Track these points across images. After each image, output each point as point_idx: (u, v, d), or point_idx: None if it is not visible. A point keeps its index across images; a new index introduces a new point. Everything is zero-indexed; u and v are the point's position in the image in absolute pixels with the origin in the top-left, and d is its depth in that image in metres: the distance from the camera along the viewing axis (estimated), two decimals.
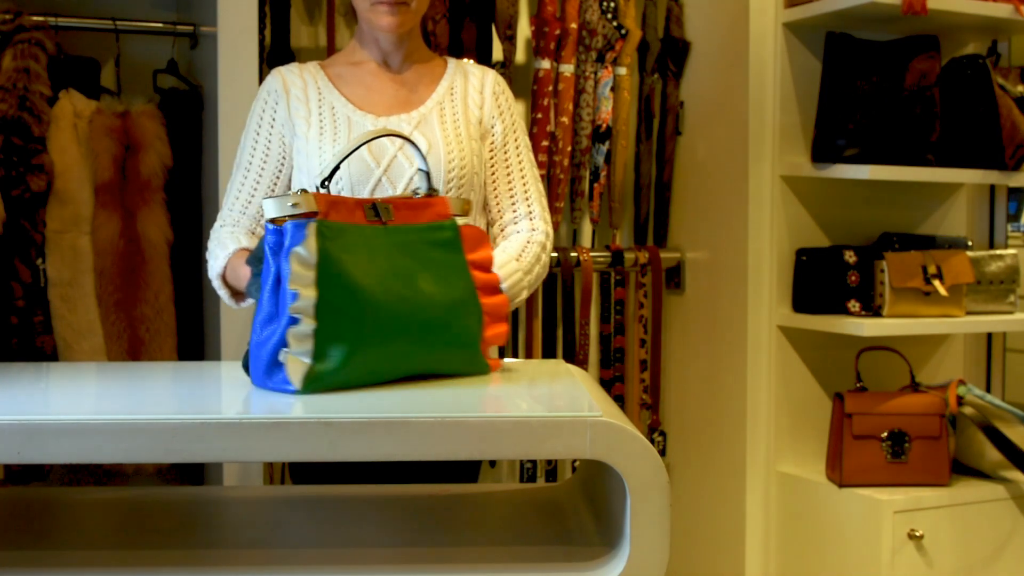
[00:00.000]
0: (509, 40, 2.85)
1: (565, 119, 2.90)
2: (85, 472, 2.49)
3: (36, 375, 1.62)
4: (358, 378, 1.36)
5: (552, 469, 3.04)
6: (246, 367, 1.40)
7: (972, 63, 2.86)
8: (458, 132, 1.87)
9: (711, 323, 2.99)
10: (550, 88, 2.87)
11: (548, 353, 3.01)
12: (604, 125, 2.96)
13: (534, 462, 2.99)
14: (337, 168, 1.46)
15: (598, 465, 1.35)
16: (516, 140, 1.94)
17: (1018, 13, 2.84)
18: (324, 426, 1.16)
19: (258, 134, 1.89)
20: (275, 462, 2.49)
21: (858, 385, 2.76)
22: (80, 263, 2.40)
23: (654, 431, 3.11)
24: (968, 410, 2.72)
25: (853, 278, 2.80)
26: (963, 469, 2.79)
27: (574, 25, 2.88)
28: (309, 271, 1.31)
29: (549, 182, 2.90)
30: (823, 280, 2.81)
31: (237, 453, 1.16)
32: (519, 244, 1.89)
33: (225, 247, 1.82)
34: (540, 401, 1.40)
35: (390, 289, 1.38)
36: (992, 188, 3.21)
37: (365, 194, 1.79)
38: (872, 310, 2.80)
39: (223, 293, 1.85)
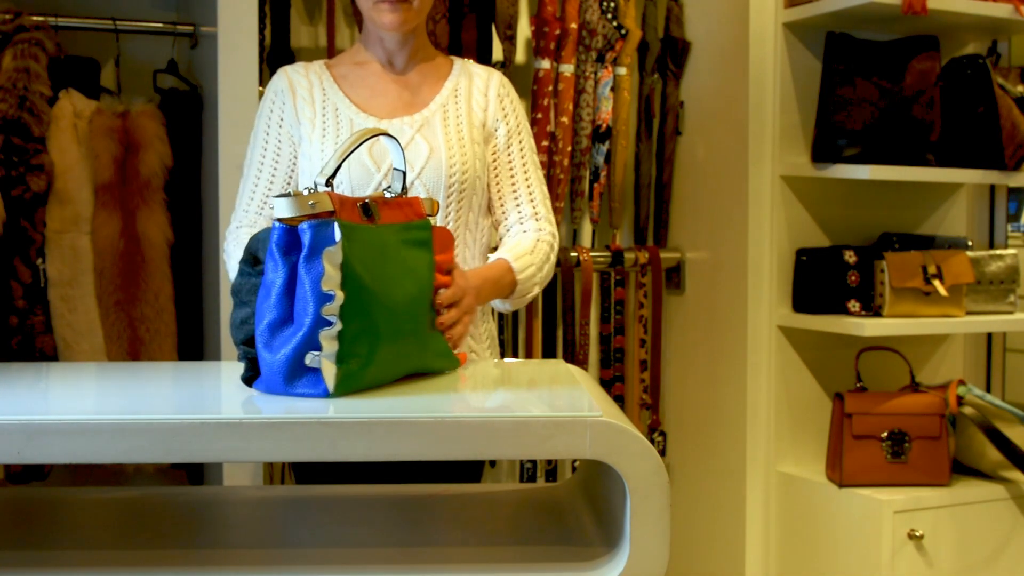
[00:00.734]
0: (509, 40, 2.85)
1: (565, 119, 2.90)
2: (84, 472, 2.49)
3: (36, 375, 1.62)
4: (376, 378, 1.36)
5: (552, 469, 3.04)
6: (248, 381, 1.36)
7: (972, 63, 2.86)
8: (460, 135, 1.87)
9: (711, 323, 2.99)
10: (550, 88, 2.87)
11: (548, 353, 3.01)
12: (604, 125, 2.96)
13: (534, 462, 2.99)
14: (339, 167, 1.46)
15: (598, 465, 1.35)
16: (521, 142, 1.94)
17: (1018, 13, 2.84)
18: (324, 426, 1.16)
19: (267, 134, 1.89)
20: (275, 462, 2.49)
21: (858, 385, 2.76)
22: (80, 263, 2.40)
23: (654, 431, 3.11)
24: (968, 410, 2.72)
25: (853, 278, 2.80)
26: (963, 469, 2.79)
27: (574, 25, 2.88)
28: (338, 272, 1.29)
29: (549, 182, 2.90)
30: (823, 280, 2.82)
31: (237, 453, 1.16)
32: (531, 241, 1.88)
33: (243, 245, 1.80)
34: (540, 401, 1.40)
35: (392, 288, 1.38)
36: (992, 188, 3.21)
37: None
38: (872, 310, 2.80)
39: None
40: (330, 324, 1.28)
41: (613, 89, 2.96)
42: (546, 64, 2.87)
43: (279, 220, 1.30)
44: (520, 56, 2.99)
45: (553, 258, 1.91)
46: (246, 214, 1.88)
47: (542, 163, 2.83)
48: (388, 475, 1.68)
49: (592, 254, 3.00)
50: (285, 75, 1.90)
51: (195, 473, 2.61)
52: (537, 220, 1.91)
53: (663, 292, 3.10)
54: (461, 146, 1.85)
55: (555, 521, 1.48)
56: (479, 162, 1.88)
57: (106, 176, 2.41)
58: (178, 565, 1.27)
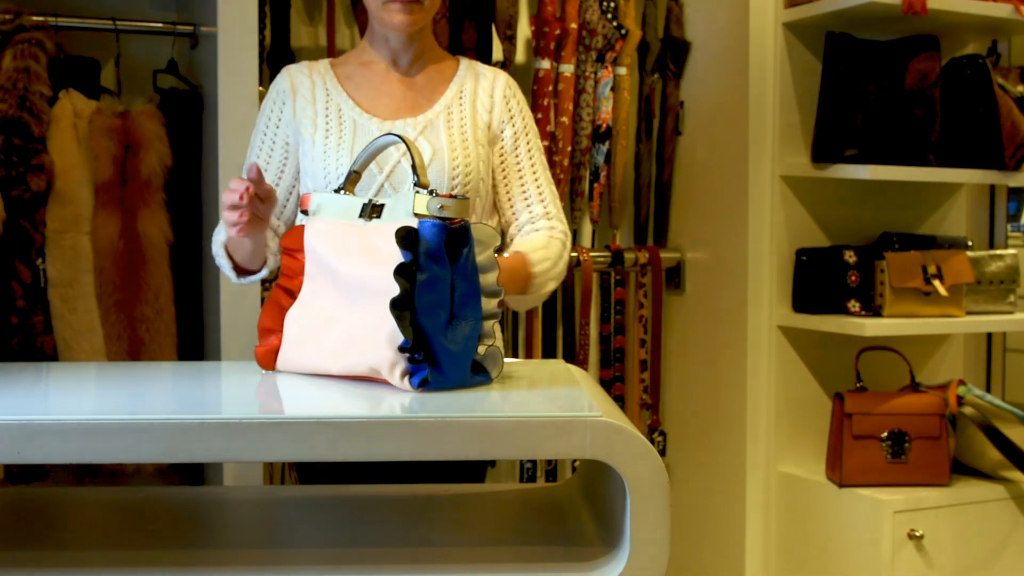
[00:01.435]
0: (509, 40, 2.85)
1: (565, 119, 2.90)
2: (84, 472, 2.49)
3: (36, 375, 1.62)
4: None
5: (552, 469, 3.04)
6: (423, 382, 1.36)
7: (972, 63, 2.86)
8: (464, 138, 1.86)
9: (711, 323, 2.99)
10: (550, 88, 2.88)
11: (548, 353, 3.01)
12: (604, 125, 2.96)
13: (534, 462, 2.99)
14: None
15: (598, 465, 1.35)
16: (528, 142, 1.93)
17: (1018, 13, 2.84)
18: (324, 426, 1.16)
19: (264, 134, 1.90)
20: (275, 462, 2.49)
21: (858, 385, 2.76)
22: (80, 263, 2.40)
23: (654, 431, 3.11)
24: (968, 410, 2.72)
25: (853, 278, 2.80)
26: (963, 469, 2.79)
27: (574, 25, 2.88)
28: (496, 267, 1.42)
29: None
30: (823, 280, 2.82)
31: (237, 453, 1.16)
32: (544, 237, 1.88)
33: None
34: (540, 401, 1.40)
35: None
36: (992, 188, 3.21)
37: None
38: (872, 310, 2.80)
39: (225, 264, 1.82)
40: (495, 316, 1.40)
41: (613, 89, 2.96)
42: (546, 64, 2.87)
43: (445, 219, 1.36)
44: (520, 56, 2.99)
45: (567, 255, 1.90)
46: None
47: None
48: (392, 475, 1.68)
49: (592, 254, 3.00)
50: (288, 75, 1.90)
51: (195, 473, 2.61)
52: (548, 219, 1.90)
53: (663, 292, 3.10)
54: (464, 148, 1.85)
55: (555, 521, 1.48)
56: (483, 164, 1.87)
57: (106, 176, 2.41)
58: (178, 565, 1.27)
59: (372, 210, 1.47)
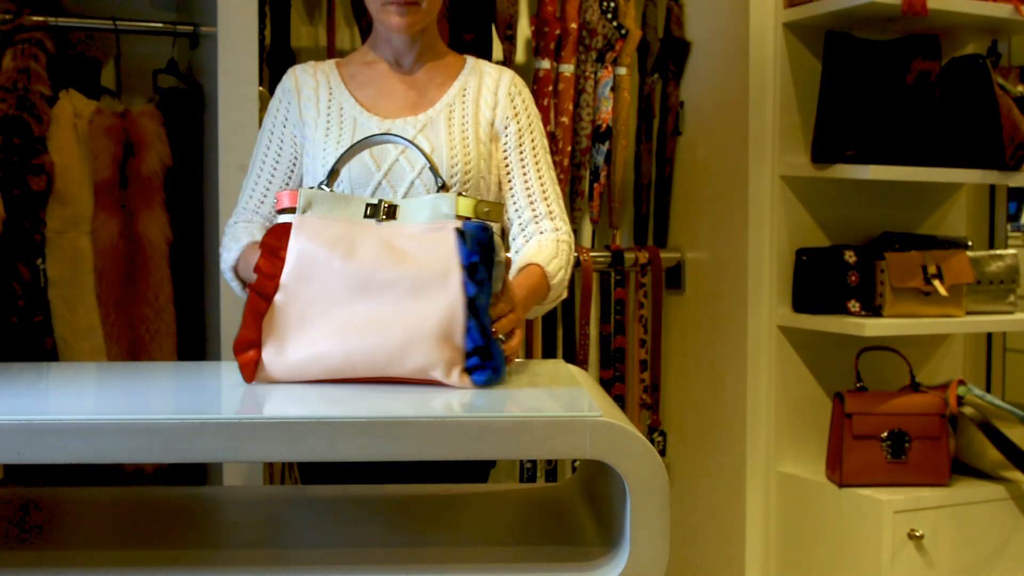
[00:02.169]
0: (509, 40, 2.85)
1: (565, 119, 2.90)
2: (83, 472, 2.49)
3: (36, 375, 1.62)
4: None
5: (552, 469, 3.04)
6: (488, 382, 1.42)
7: (972, 63, 2.86)
8: (465, 136, 1.86)
9: (711, 323, 2.99)
10: (550, 88, 2.88)
11: (548, 353, 3.01)
12: (604, 125, 2.96)
13: (534, 462, 2.99)
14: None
15: (598, 465, 1.35)
16: (533, 140, 1.93)
17: (1018, 13, 2.84)
18: (324, 426, 1.16)
19: (271, 134, 1.90)
20: (275, 462, 2.49)
21: (858, 385, 2.76)
22: (80, 263, 2.40)
23: (654, 431, 3.11)
24: (968, 410, 2.72)
25: (853, 278, 2.80)
26: (963, 469, 2.79)
27: (574, 25, 2.88)
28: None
29: None
30: (823, 280, 2.81)
31: (237, 453, 1.16)
32: (553, 244, 1.87)
33: (239, 240, 1.83)
34: (540, 401, 1.40)
35: None
36: (992, 188, 3.21)
37: (366, 196, 1.79)
38: (872, 310, 2.80)
39: (235, 285, 1.85)
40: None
41: (613, 89, 2.96)
42: (546, 64, 2.87)
43: (487, 223, 1.45)
44: (520, 56, 2.99)
45: (572, 258, 1.91)
46: (244, 210, 1.90)
47: None
48: (395, 475, 1.69)
49: (592, 254, 3.00)
50: (293, 75, 1.91)
51: (196, 473, 2.61)
52: (552, 219, 1.90)
53: (663, 292, 3.10)
54: (464, 145, 1.85)
55: (555, 521, 1.48)
56: (484, 162, 1.87)
57: (106, 176, 2.41)
58: (178, 565, 1.27)
59: (385, 211, 1.47)
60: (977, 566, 2.70)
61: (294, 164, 1.88)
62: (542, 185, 1.92)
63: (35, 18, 2.39)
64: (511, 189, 1.91)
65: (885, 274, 2.76)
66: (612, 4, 2.94)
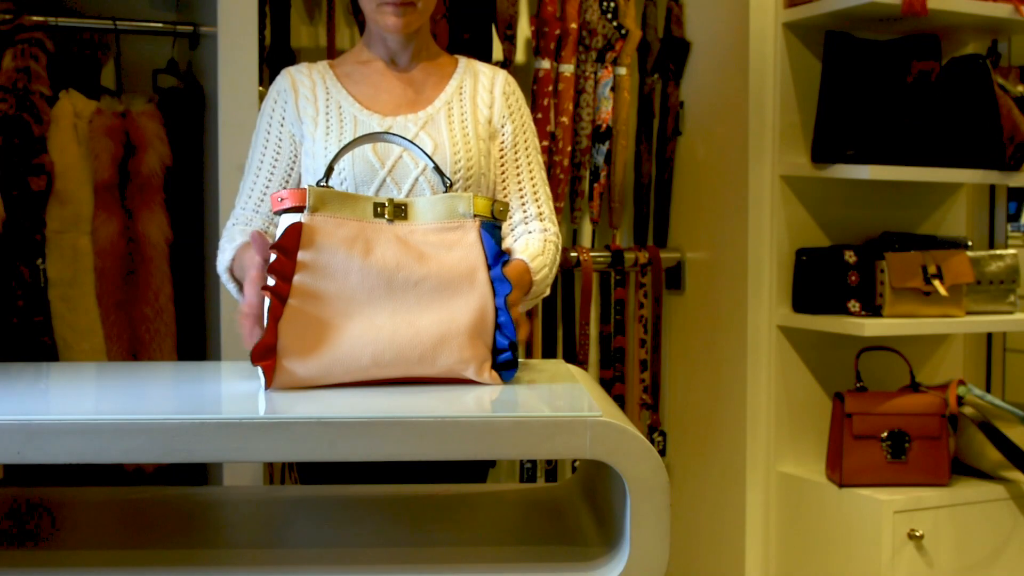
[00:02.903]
0: (509, 40, 2.85)
1: (565, 119, 2.90)
2: (83, 472, 2.49)
3: (36, 375, 1.62)
4: None
5: (552, 469, 3.04)
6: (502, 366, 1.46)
7: (972, 63, 2.86)
8: (465, 133, 1.87)
9: (711, 323, 2.99)
10: (550, 88, 2.88)
11: (548, 353, 3.01)
12: (604, 125, 2.96)
13: (534, 462, 2.99)
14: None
15: (598, 465, 1.35)
16: (526, 141, 1.94)
17: (1018, 13, 2.84)
18: (324, 426, 1.16)
19: (268, 133, 1.89)
20: (275, 462, 2.49)
21: (858, 385, 2.76)
22: (80, 263, 2.40)
23: (654, 431, 3.11)
24: (968, 410, 2.72)
25: (853, 278, 2.80)
26: (963, 469, 2.79)
27: (574, 25, 2.88)
28: None
29: (549, 182, 2.89)
30: (823, 280, 2.82)
31: (237, 453, 1.16)
32: (540, 242, 1.88)
33: (233, 240, 1.81)
34: (540, 401, 1.40)
35: None
36: (992, 188, 3.21)
37: (370, 194, 1.79)
38: (872, 310, 2.80)
39: (231, 287, 1.83)
40: None
41: (613, 89, 2.96)
42: (546, 64, 2.87)
43: (499, 221, 1.48)
44: (520, 56, 2.99)
45: (558, 258, 1.91)
46: (243, 212, 1.88)
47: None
48: (394, 475, 1.69)
49: (592, 254, 3.00)
50: (288, 75, 1.91)
51: (196, 473, 2.61)
52: (542, 220, 1.91)
53: (663, 292, 3.11)
54: (466, 142, 1.85)
55: (555, 521, 1.48)
56: (484, 159, 1.88)
57: (106, 176, 2.41)
58: (178, 565, 1.27)
59: (396, 210, 1.46)
60: (977, 566, 2.70)
61: (293, 163, 1.88)
62: (534, 187, 1.93)
63: (35, 18, 2.39)
64: (504, 189, 1.92)
65: (885, 274, 2.76)
66: (612, 4, 2.94)
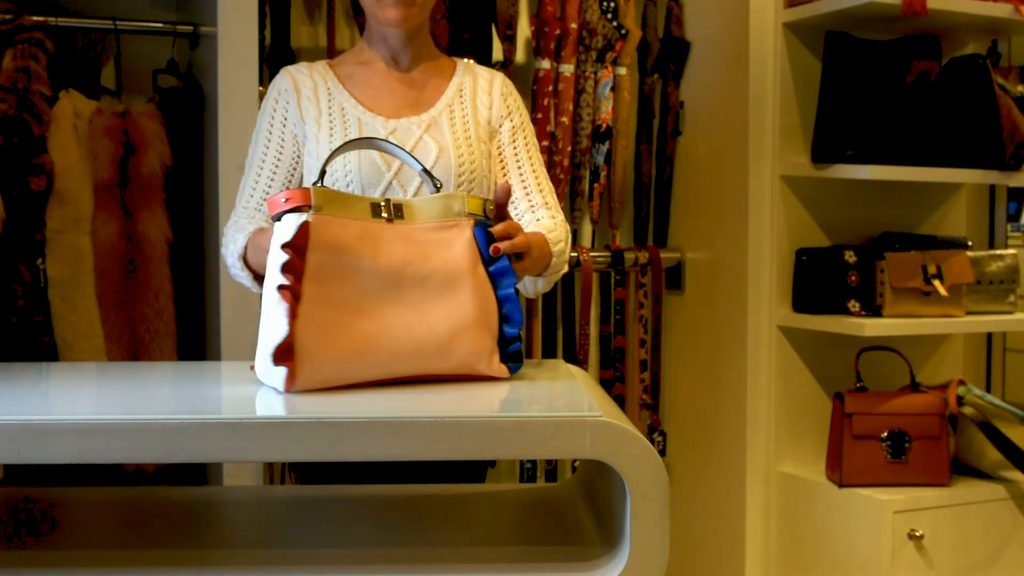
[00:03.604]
0: (509, 40, 2.85)
1: (565, 119, 2.90)
2: (83, 472, 2.49)
3: (36, 375, 1.62)
4: None
5: (552, 469, 3.04)
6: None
7: (972, 63, 2.85)
8: (467, 134, 1.87)
9: (711, 323, 2.99)
10: (550, 88, 2.87)
11: (548, 353, 3.01)
12: (604, 125, 2.96)
13: (534, 462, 2.99)
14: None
15: (598, 465, 1.35)
16: (526, 137, 1.95)
17: (1018, 13, 2.84)
18: (324, 426, 1.16)
19: (270, 132, 1.87)
20: (275, 462, 2.49)
21: (858, 385, 2.76)
22: (80, 263, 2.40)
23: (654, 431, 3.11)
24: (968, 410, 2.72)
25: (853, 278, 2.80)
26: (963, 469, 2.79)
27: (574, 25, 2.88)
28: None
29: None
30: (823, 280, 2.81)
31: (237, 453, 1.16)
32: (551, 222, 1.88)
33: (243, 229, 1.77)
34: (540, 401, 1.40)
35: None
36: (992, 188, 3.21)
37: (376, 195, 1.79)
38: (872, 310, 2.80)
39: (245, 277, 1.76)
40: None
41: (613, 89, 2.96)
42: (546, 64, 2.87)
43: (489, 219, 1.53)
44: (520, 56, 2.99)
45: (570, 241, 1.90)
46: (244, 210, 1.87)
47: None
48: (392, 475, 1.68)
49: (592, 254, 3.00)
50: (289, 75, 1.90)
51: (196, 473, 2.61)
52: (548, 208, 1.91)
53: (663, 292, 3.11)
54: (468, 144, 1.86)
55: (555, 521, 1.48)
56: (486, 160, 1.88)
57: (106, 176, 2.41)
58: (178, 565, 1.27)
59: (394, 210, 1.48)
60: (977, 566, 2.70)
61: (296, 163, 1.87)
62: (536, 179, 1.93)
63: (35, 18, 2.39)
64: (507, 181, 1.92)
65: (885, 274, 2.76)
66: (612, 4, 2.94)
